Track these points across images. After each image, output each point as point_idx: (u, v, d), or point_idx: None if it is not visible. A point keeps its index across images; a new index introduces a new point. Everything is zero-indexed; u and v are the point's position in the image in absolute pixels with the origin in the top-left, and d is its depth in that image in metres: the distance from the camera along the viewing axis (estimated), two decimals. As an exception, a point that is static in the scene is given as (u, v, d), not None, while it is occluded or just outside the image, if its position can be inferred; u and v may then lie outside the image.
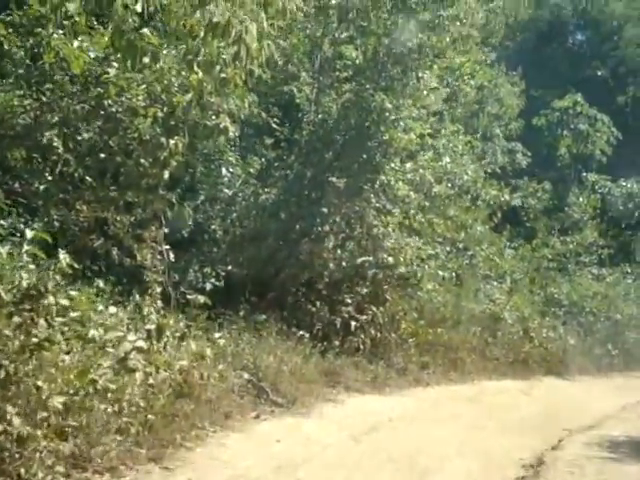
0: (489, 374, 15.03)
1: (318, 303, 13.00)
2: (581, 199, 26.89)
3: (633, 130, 29.19)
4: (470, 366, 14.71)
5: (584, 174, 28.47)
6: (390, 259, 13.12)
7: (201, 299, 9.99)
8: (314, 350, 11.81)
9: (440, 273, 15.55)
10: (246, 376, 9.93)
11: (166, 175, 8.19)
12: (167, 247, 8.79)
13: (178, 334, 7.66)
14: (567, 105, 27.25)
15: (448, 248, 17.77)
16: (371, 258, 13.16)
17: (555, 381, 16.04)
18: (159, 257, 8.62)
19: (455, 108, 19.89)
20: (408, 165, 13.82)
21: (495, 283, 18.72)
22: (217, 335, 10.22)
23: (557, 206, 26.94)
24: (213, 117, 8.39)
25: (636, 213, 27.18)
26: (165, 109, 8.11)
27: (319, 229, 13.20)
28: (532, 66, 29.34)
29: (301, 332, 12.07)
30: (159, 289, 8.75)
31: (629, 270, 24.54)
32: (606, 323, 19.48)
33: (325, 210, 13.00)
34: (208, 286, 11.67)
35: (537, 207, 26.15)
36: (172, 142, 7.95)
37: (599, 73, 32.01)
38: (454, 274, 17.20)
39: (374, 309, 13.14)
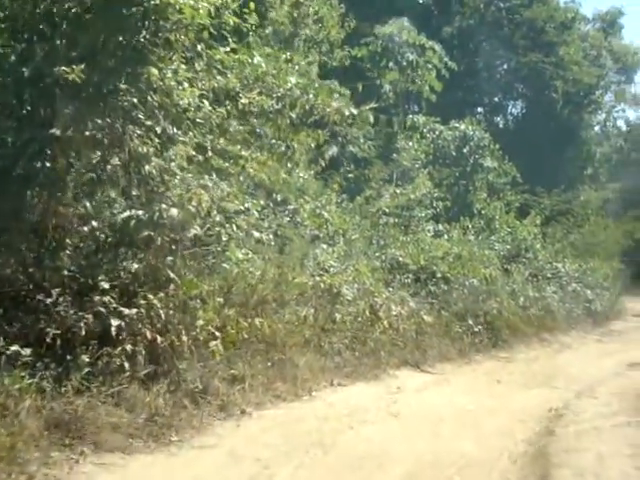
0: (330, 377, 10.34)
1: (55, 292, 7.66)
2: (411, 144, 23.03)
3: (462, 65, 25.65)
4: (304, 369, 9.91)
5: (411, 116, 24.65)
6: (174, 212, 7.89)
7: None
8: (40, 379, 6.58)
9: (255, 235, 10.64)
10: None
11: None
12: None
13: None
14: (391, 32, 22.98)
15: (263, 201, 12.97)
16: (142, 212, 7.91)
17: (415, 377, 11.64)
18: None
19: (264, 27, 15.03)
20: (199, 64, 8.61)
21: (325, 246, 14.07)
22: None
23: (384, 152, 22.97)
24: None
25: (471, 159, 23.60)
26: None
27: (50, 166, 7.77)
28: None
29: (14, 347, 6.76)
30: None
31: (469, 225, 20.83)
32: (463, 291, 15.40)
33: (57, 132, 7.56)
34: None
35: (359, 155, 22.17)
36: None
37: (420, 0, 28.00)
38: (273, 236, 12.41)
39: (150, 297, 7.94)
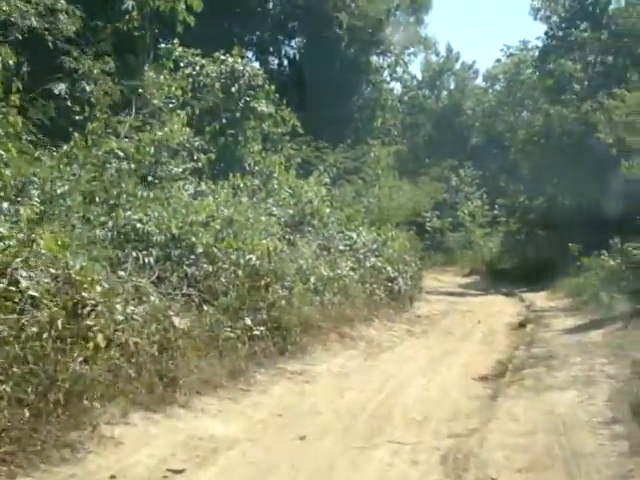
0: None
1: None
2: (162, 77, 17.43)
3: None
4: None
5: (163, 45, 19.11)
6: None
7: None
8: None
9: None
10: None
11: None
12: None
13: None
14: None
15: None
16: None
17: (151, 440, 6.26)
18: None
19: None
20: None
21: (6, 205, 8.24)
22: None
23: (128, 89, 17.19)
24: None
25: (242, 102, 18.47)
26: None
27: None
28: None
29: None
30: None
31: (241, 183, 15.73)
32: (236, 273, 10.16)
33: None
34: None
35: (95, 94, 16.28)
36: None
37: None
38: None
39: None
